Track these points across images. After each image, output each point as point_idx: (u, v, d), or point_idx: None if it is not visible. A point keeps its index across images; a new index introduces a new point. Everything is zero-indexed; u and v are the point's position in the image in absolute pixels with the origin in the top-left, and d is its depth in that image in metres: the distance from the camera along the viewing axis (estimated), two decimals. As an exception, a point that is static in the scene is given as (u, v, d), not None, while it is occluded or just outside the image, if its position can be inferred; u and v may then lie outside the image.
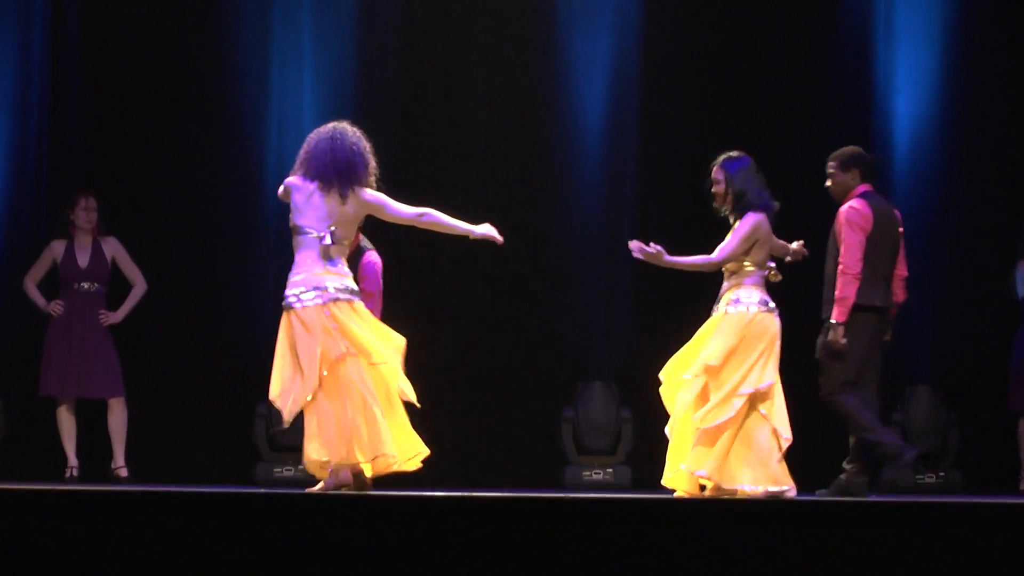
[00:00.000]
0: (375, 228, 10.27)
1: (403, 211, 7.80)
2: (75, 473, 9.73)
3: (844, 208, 8.38)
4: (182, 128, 10.28)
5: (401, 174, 10.35)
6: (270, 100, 10.36)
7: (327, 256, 7.56)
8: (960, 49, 10.26)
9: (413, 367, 10.20)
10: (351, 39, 10.42)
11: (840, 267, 8.31)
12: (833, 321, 8.29)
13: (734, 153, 8.07)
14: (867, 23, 10.32)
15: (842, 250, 8.32)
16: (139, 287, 9.94)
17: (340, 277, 7.57)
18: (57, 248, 9.85)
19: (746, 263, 7.96)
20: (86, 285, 9.80)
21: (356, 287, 7.67)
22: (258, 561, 6.05)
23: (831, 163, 8.54)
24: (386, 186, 10.36)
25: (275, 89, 10.38)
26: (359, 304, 7.61)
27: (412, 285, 10.20)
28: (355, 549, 6.07)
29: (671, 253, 7.96)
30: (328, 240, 7.54)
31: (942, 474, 9.79)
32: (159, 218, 10.26)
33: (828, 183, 8.54)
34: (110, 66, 10.31)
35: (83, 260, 9.81)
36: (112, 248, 9.89)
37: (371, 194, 7.73)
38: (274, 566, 6.04)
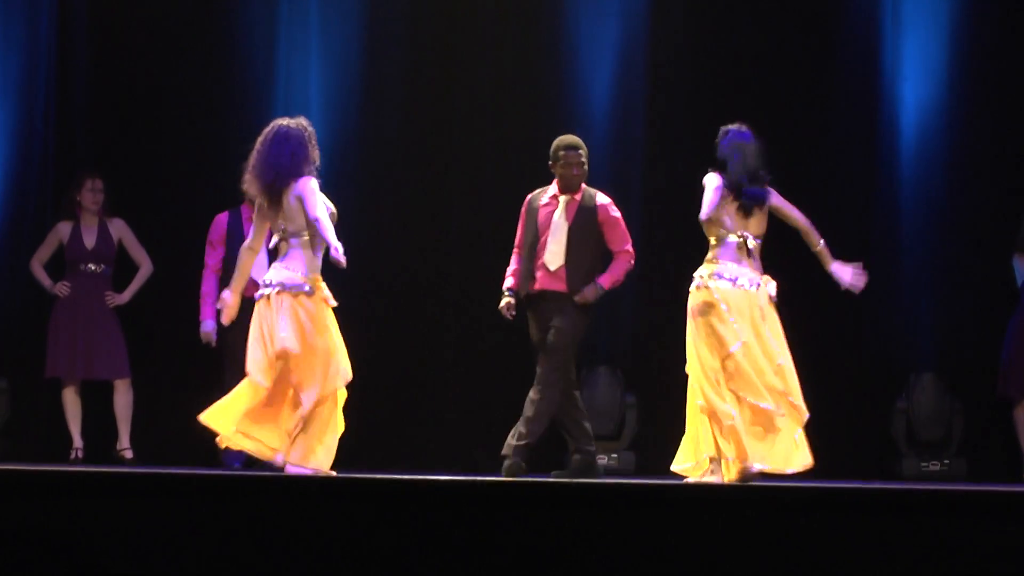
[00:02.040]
0: (381, 211, 10.30)
1: (321, 219, 7.77)
2: (80, 455, 9.74)
3: (604, 201, 8.67)
4: (188, 110, 10.27)
5: (406, 159, 10.41)
6: (276, 83, 10.35)
7: (277, 254, 7.93)
8: (967, 37, 10.23)
9: (419, 352, 10.25)
10: (358, 23, 10.40)
11: (626, 253, 8.65)
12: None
13: (735, 126, 8.16)
14: (874, 10, 10.29)
15: (616, 236, 8.64)
16: (145, 268, 9.95)
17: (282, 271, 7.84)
18: (63, 229, 9.86)
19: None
20: (92, 266, 9.81)
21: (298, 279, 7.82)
22: (260, 543, 6.06)
23: (583, 152, 8.73)
24: (391, 171, 10.41)
25: (282, 72, 10.37)
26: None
27: (418, 270, 10.20)
28: (356, 532, 6.08)
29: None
30: (274, 240, 7.92)
31: (947, 462, 9.78)
32: (165, 200, 10.25)
33: (576, 172, 8.72)
34: (117, 48, 10.30)
35: (89, 241, 9.82)
36: (118, 229, 9.89)
37: (302, 185, 7.82)
38: (277, 548, 6.05)
